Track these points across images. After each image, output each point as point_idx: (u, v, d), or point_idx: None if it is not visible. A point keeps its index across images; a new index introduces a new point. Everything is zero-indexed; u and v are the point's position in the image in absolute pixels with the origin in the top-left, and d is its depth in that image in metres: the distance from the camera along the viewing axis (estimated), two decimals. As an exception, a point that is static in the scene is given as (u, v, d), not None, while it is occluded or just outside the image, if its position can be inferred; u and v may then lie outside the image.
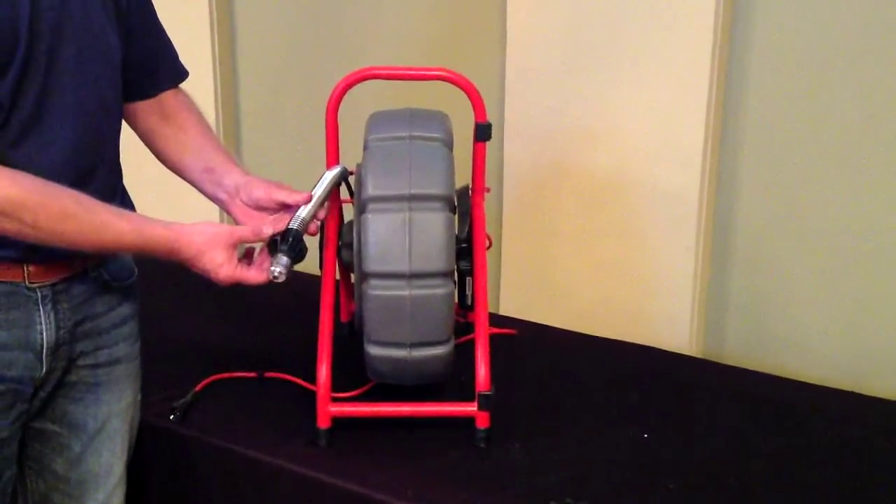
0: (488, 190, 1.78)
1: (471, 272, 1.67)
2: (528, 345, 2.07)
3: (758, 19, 2.03)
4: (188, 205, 1.79)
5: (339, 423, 1.63)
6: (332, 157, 1.71)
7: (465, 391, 1.68)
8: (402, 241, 1.55)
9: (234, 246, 1.48)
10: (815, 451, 1.66)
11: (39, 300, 1.42)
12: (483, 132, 1.68)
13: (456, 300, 1.66)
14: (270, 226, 1.53)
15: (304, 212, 1.54)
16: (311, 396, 1.64)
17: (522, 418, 1.72)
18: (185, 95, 1.66)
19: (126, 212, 1.44)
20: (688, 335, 2.16)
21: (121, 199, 1.51)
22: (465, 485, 1.52)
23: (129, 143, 1.59)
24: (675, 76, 2.06)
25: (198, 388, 1.80)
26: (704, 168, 2.08)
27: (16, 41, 1.30)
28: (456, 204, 1.65)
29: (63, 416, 1.52)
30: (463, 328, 1.83)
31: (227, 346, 2.03)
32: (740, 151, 2.11)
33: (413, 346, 1.60)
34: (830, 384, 1.92)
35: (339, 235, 1.72)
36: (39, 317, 1.42)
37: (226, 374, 1.86)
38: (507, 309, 2.32)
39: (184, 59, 1.66)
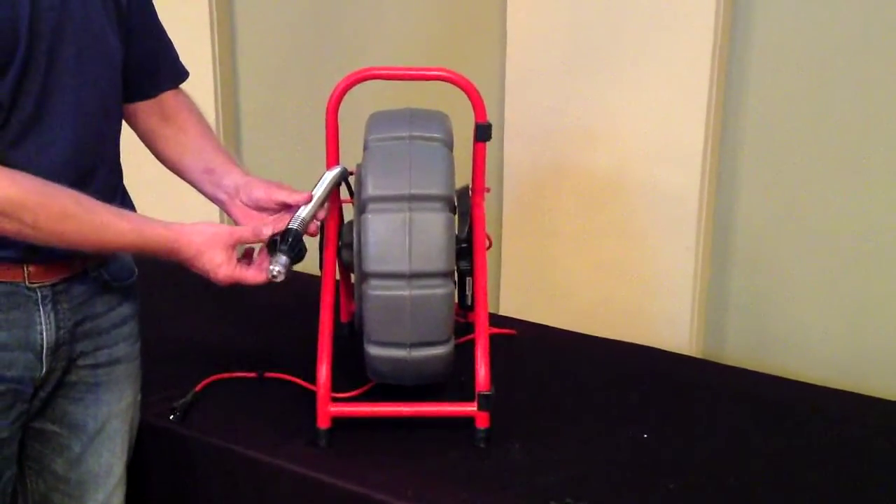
0: (488, 190, 1.78)
1: (471, 272, 1.67)
2: (528, 345, 2.07)
3: (758, 19, 2.03)
4: (188, 205, 1.79)
5: (339, 423, 1.63)
6: (332, 158, 1.71)
7: (465, 391, 1.68)
8: (402, 241, 1.55)
9: (234, 246, 1.48)
10: (815, 451, 1.66)
11: (39, 300, 1.42)
12: (483, 132, 1.68)
13: (456, 300, 1.66)
14: (270, 226, 1.53)
15: (304, 212, 1.54)
16: (311, 396, 1.64)
17: (522, 418, 1.72)
18: (186, 96, 1.66)
19: (126, 212, 1.44)
20: (688, 335, 2.16)
21: (121, 199, 1.51)
22: (465, 485, 1.52)
23: (129, 143, 1.59)
24: (675, 76, 2.06)
25: (198, 388, 1.80)
26: (704, 168, 2.08)
27: (16, 41, 1.30)
28: (456, 204, 1.65)
29: (63, 416, 1.52)
30: (463, 328, 1.83)
31: (227, 346, 2.03)
32: (740, 151, 2.11)
33: (413, 346, 1.60)
34: (830, 384, 1.92)
35: (339, 235, 1.72)
36: (39, 317, 1.42)
37: (226, 375, 1.86)
38: (507, 309, 2.32)
39: (184, 59, 1.66)
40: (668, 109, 2.09)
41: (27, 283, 1.41)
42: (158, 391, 1.75)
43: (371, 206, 1.57)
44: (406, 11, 2.48)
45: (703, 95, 2.04)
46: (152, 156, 1.66)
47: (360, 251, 1.59)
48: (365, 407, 1.68)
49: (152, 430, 1.71)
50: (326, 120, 1.68)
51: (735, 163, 2.12)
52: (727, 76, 2.07)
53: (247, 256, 1.54)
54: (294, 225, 1.52)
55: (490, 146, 1.73)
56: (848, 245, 2.03)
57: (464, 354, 1.70)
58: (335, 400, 1.64)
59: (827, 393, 1.88)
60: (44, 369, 1.44)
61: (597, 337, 2.12)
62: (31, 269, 1.40)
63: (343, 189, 1.71)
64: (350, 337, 1.87)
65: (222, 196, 1.62)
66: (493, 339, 1.68)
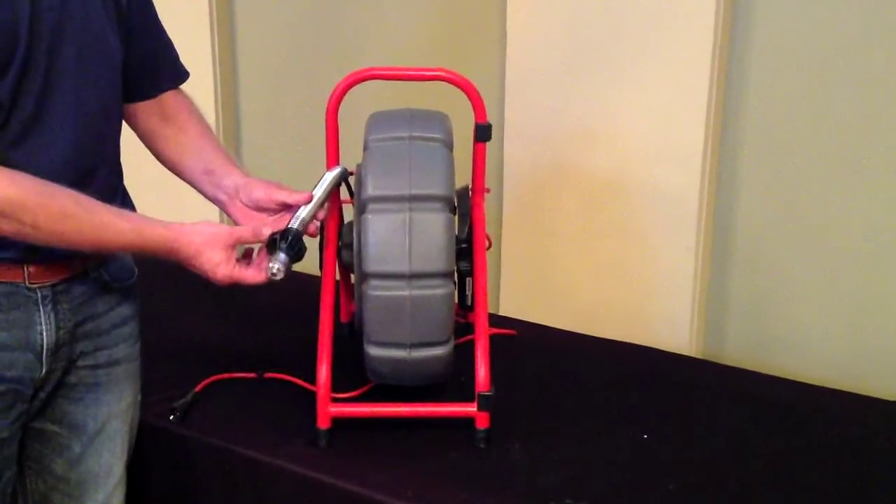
0: (488, 190, 1.78)
1: (471, 273, 1.67)
2: (528, 345, 2.07)
3: (758, 19, 2.03)
4: (188, 205, 1.79)
5: (339, 423, 1.63)
6: (332, 158, 1.71)
7: (464, 391, 1.68)
8: (402, 241, 1.55)
9: (233, 246, 1.48)
10: (815, 452, 1.66)
11: (39, 301, 1.42)
12: (483, 133, 1.68)
13: (456, 301, 1.66)
14: (270, 226, 1.53)
15: (304, 212, 1.54)
16: (311, 397, 1.64)
17: (522, 418, 1.72)
18: (186, 96, 1.66)
19: (125, 212, 1.44)
20: (688, 335, 2.16)
21: (121, 199, 1.51)
22: (465, 485, 1.53)
23: (129, 143, 1.59)
24: (675, 76, 2.06)
25: (198, 388, 1.80)
26: (704, 168, 2.08)
27: (16, 42, 1.30)
28: (456, 204, 1.65)
29: (63, 416, 1.52)
30: (463, 328, 1.83)
31: (227, 346, 2.03)
32: (740, 151, 2.11)
33: (413, 346, 1.60)
34: (830, 385, 1.92)
35: (339, 236, 1.72)
36: (39, 317, 1.42)
37: (226, 375, 1.86)
38: (507, 309, 2.32)
39: (184, 59, 1.66)
40: (668, 109, 2.09)
41: (27, 283, 1.41)
42: (158, 391, 1.75)
43: (371, 207, 1.57)
44: (406, 11, 2.48)
45: (703, 95, 2.04)
46: (152, 156, 1.66)
47: (360, 251, 1.59)
48: (365, 407, 1.68)
49: (152, 430, 1.71)
50: (326, 120, 1.68)
51: (735, 163, 2.12)
52: (727, 76, 2.07)
53: (246, 257, 1.54)
54: (294, 224, 1.52)
55: (490, 146, 1.73)
56: (848, 245, 2.03)
57: (464, 355, 1.70)
58: (335, 400, 1.64)
59: (827, 393, 1.88)
60: (44, 370, 1.44)
61: (597, 337, 2.12)
62: (32, 269, 1.40)
63: (343, 189, 1.71)
64: (350, 337, 1.87)
65: (222, 197, 1.62)
66: (493, 339, 1.68)
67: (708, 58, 2.01)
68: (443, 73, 1.66)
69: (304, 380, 1.78)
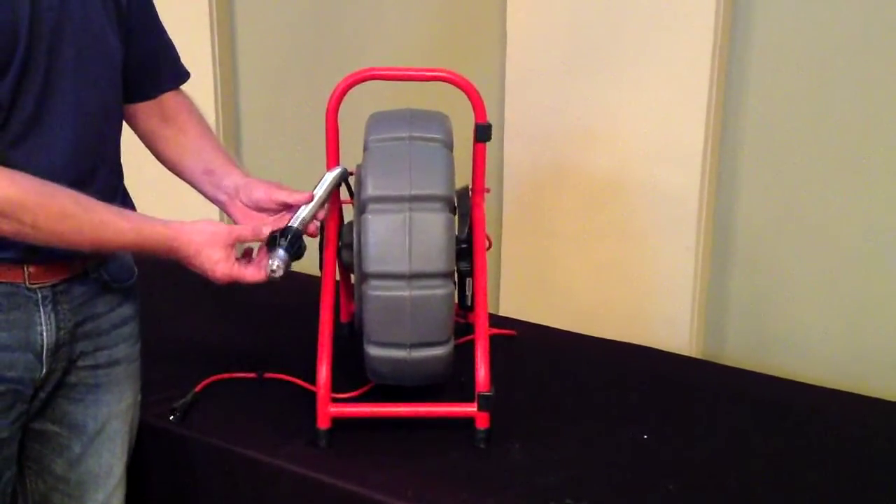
0: (488, 190, 1.78)
1: (471, 273, 1.67)
2: (527, 345, 2.07)
3: (758, 19, 2.03)
4: (188, 205, 1.78)
5: (339, 423, 1.63)
6: (333, 158, 1.71)
7: (465, 392, 1.68)
8: (401, 241, 1.55)
9: (233, 245, 1.48)
10: (815, 452, 1.66)
11: (40, 301, 1.42)
12: (483, 133, 1.68)
13: (456, 301, 1.66)
14: (270, 226, 1.53)
15: (304, 211, 1.54)
16: (311, 397, 1.64)
17: (522, 419, 1.72)
18: (186, 97, 1.66)
19: (125, 211, 1.43)
20: (688, 336, 2.16)
21: (121, 199, 1.51)
22: (465, 485, 1.53)
23: (129, 143, 1.59)
24: (675, 76, 2.06)
25: (198, 388, 1.80)
26: (704, 168, 2.08)
27: (15, 42, 1.30)
28: (456, 204, 1.65)
29: (63, 416, 1.52)
30: (463, 329, 1.83)
31: (227, 346, 2.03)
32: (740, 151, 2.11)
33: (413, 346, 1.60)
34: (830, 385, 1.92)
35: (339, 236, 1.72)
36: (40, 318, 1.42)
37: (226, 375, 1.86)
38: (506, 310, 2.32)
39: (184, 59, 1.66)
40: (668, 109, 2.08)
41: (27, 283, 1.41)
42: (158, 391, 1.75)
43: (371, 207, 1.57)
44: (406, 11, 2.48)
45: (703, 95, 2.04)
46: (152, 156, 1.66)
47: (360, 251, 1.59)
48: (365, 407, 1.68)
49: (152, 431, 1.71)
50: (326, 120, 1.68)
51: (735, 163, 2.12)
52: (727, 76, 2.07)
53: (246, 256, 1.54)
54: (294, 223, 1.52)
55: (490, 146, 1.73)
56: (848, 245, 2.03)
57: (464, 355, 1.70)
58: (335, 400, 1.64)
59: (827, 393, 1.88)
60: (44, 370, 1.44)
61: (597, 337, 2.12)
62: (32, 269, 1.40)
63: (343, 190, 1.71)
64: (350, 337, 1.87)
65: (222, 197, 1.62)
66: (493, 339, 1.68)
67: (708, 58, 2.01)
68: (443, 74, 1.66)
69: (304, 380, 1.78)
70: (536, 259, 2.34)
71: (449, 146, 1.65)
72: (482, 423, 1.62)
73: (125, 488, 1.62)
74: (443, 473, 1.56)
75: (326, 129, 1.69)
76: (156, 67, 1.59)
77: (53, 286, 1.44)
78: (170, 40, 1.62)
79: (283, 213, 1.57)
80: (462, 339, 1.79)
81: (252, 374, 1.86)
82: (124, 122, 1.56)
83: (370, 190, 1.58)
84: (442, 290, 1.58)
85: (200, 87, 1.95)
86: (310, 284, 1.75)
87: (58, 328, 1.44)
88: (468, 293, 1.69)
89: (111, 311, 1.54)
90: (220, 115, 2.76)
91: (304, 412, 1.67)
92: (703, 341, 2.21)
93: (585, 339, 2.12)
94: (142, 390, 1.65)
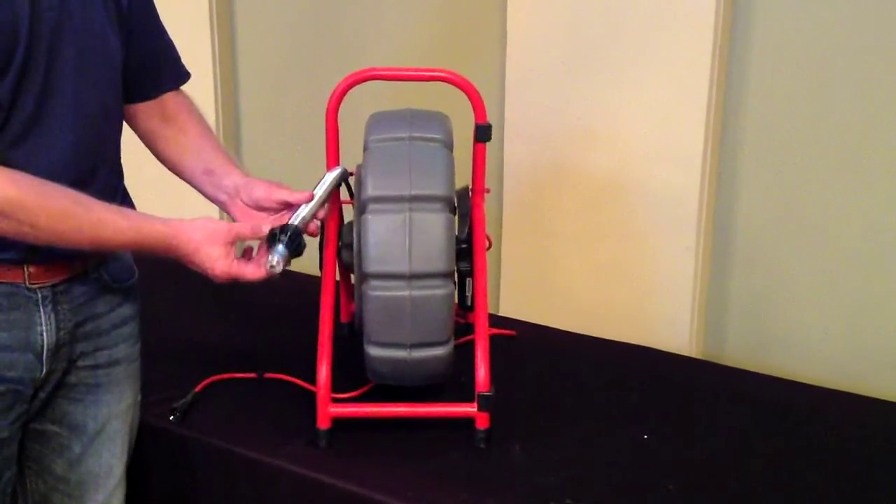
0: (488, 190, 1.78)
1: (471, 273, 1.67)
2: (527, 345, 2.07)
3: (758, 19, 2.03)
4: (188, 205, 1.78)
5: (339, 423, 1.63)
6: (333, 158, 1.71)
7: (465, 392, 1.68)
8: (401, 241, 1.55)
9: (232, 242, 1.48)
10: (815, 452, 1.66)
11: (40, 301, 1.42)
12: (483, 133, 1.68)
13: (456, 301, 1.66)
14: (269, 224, 1.52)
15: (304, 210, 1.55)
16: (311, 397, 1.64)
17: (522, 419, 1.72)
18: (186, 97, 1.66)
19: (125, 209, 1.43)
20: (688, 336, 2.16)
21: (121, 199, 1.50)
22: (465, 485, 1.53)
23: (129, 143, 1.59)
24: (675, 76, 2.06)
25: (198, 388, 1.80)
26: (704, 168, 2.08)
27: (15, 42, 1.30)
28: (456, 205, 1.65)
29: (63, 416, 1.52)
30: (463, 329, 1.83)
31: (227, 346, 2.03)
32: (740, 151, 2.11)
33: (413, 346, 1.60)
34: (830, 385, 1.92)
35: (339, 236, 1.72)
36: (40, 318, 1.42)
37: (226, 375, 1.86)
38: (506, 310, 2.32)
39: (184, 58, 1.66)
40: (668, 109, 2.08)
41: (27, 283, 1.41)
42: (158, 391, 1.75)
43: (371, 207, 1.57)
44: (406, 11, 2.48)
45: (703, 95, 2.03)
46: (152, 156, 1.66)
47: (360, 252, 1.59)
48: (365, 407, 1.68)
49: (152, 431, 1.71)
50: (326, 120, 1.68)
51: (735, 163, 2.12)
52: (727, 76, 2.07)
53: (245, 254, 1.54)
54: (294, 221, 1.52)
55: (490, 146, 1.73)
56: (848, 245, 2.03)
57: (464, 355, 1.70)
58: (335, 400, 1.64)
59: (827, 394, 1.88)
60: (44, 370, 1.44)
61: (597, 338, 2.12)
62: (32, 269, 1.40)
63: (343, 190, 1.71)
64: (350, 337, 1.88)
65: (222, 197, 1.62)
66: (493, 339, 1.68)
67: (708, 58, 2.01)
68: (443, 74, 1.66)
69: (304, 380, 1.78)
70: (536, 259, 2.34)
71: (449, 146, 1.65)
72: (482, 423, 1.62)
73: (125, 488, 1.62)
74: (443, 474, 1.56)
75: (326, 129, 1.69)
76: (156, 68, 1.59)
77: (53, 286, 1.44)
78: (170, 41, 1.62)
79: (284, 211, 1.57)
80: (462, 340, 1.79)
81: (252, 375, 1.86)
82: (124, 122, 1.56)
83: (370, 190, 1.58)
84: (442, 291, 1.58)
85: (200, 87, 1.95)
86: (310, 284, 1.75)
87: (58, 328, 1.44)
88: (468, 293, 1.69)
89: (111, 311, 1.54)
90: (220, 115, 2.76)
91: (304, 412, 1.67)
92: (703, 341, 2.21)
93: (585, 339, 2.12)
94: (142, 390, 1.65)
